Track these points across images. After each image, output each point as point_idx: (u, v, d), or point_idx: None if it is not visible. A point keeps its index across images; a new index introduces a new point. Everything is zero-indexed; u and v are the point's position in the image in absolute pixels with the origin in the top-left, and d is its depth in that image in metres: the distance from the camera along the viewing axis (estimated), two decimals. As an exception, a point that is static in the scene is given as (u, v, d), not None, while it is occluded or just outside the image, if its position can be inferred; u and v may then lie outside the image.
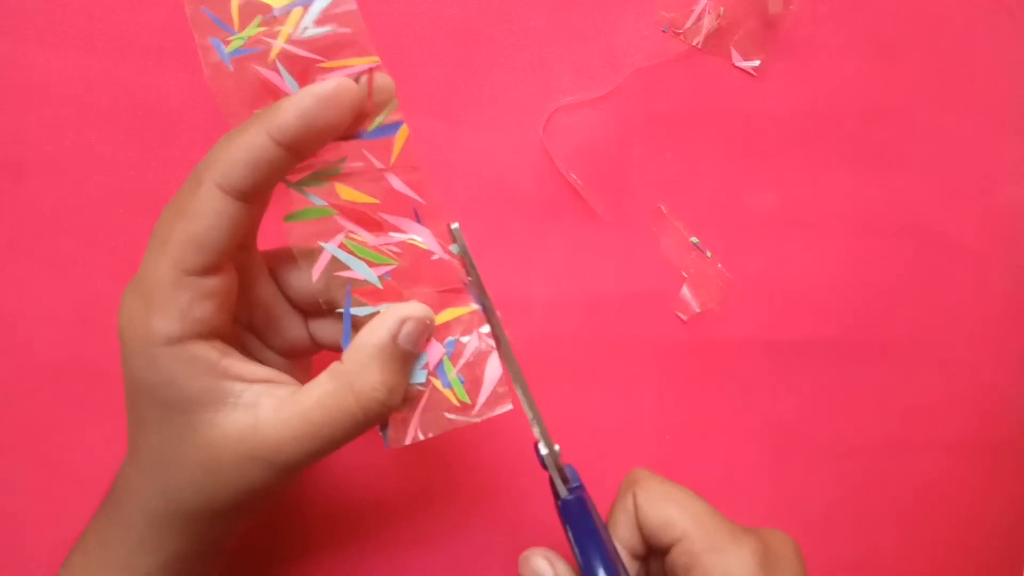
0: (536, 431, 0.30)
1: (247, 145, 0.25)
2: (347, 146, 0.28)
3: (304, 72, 0.27)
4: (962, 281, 0.44)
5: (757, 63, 0.43)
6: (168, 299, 0.25)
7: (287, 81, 0.27)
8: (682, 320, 0.43)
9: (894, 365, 0.44)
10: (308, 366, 0.35)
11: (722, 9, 0.43)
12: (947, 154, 0.44)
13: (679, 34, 0.43)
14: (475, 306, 0.30)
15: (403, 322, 0.27)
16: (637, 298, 0.43)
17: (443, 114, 0.43)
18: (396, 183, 0.28)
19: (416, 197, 0.28)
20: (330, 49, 0.27)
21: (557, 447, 0.31)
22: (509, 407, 0.29)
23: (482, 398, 0.29)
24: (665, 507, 0.30)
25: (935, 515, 0.44)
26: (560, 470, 0.30)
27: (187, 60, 0.42)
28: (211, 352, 0.26)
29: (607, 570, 0.29)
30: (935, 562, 0.44)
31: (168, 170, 0.42)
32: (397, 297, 0.29)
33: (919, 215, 0.44)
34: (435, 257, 0.29)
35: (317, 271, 0.29)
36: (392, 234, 0.29)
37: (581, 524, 0.29)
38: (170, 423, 0.26)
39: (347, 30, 0.27)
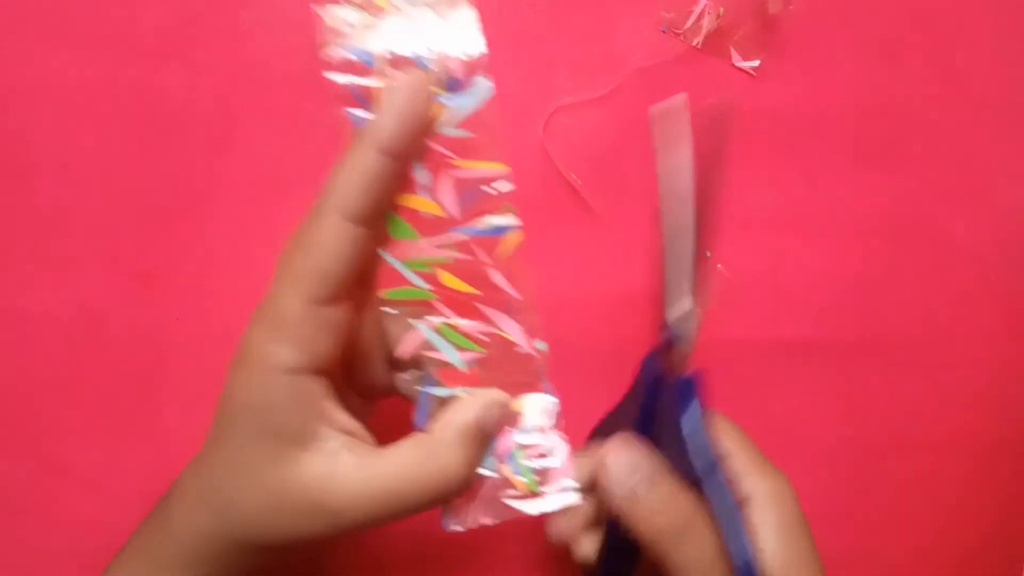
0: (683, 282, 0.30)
1: (358, 166, 0.26)
2: (457, 241, 0.29)
3: (436, 166, 0.28)
4: (963, 281, 0.44)
5: (757, 63, 0.43)
6: (295, 328, 0.26)
7: (418, 172, 0.28)
8: (682, 320, 0.43)
9: (894, 365, 0.44)
10: (373, 412, 0.35)
11: (722, 9, 0.43)
12: (948, 154, 0.44)
13: (679, 34, 0.43)
14: (551, 398, 0.30)
15: (490, 406, 0.28)
16: (637, 298, 0.43)
17: (443, 114, 0.43)
18: (499, 280, 0.29)
19: (515, 294, 0.29)
20: (465, 148, 0.28)
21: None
22: (575, 501, 0.30)
23: (550, 489, 0.30)
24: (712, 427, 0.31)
25: (935, 515, 0.44)
26: (687, 352, 0.30)
27: (188, 60, 0.42)
28: (318, 388, 0.27)
29: (706, 457, 0.29)
30: (935, 562, 0.44)
31: (169, 170, 0.42)
32: (477, 383, 0.30)
33: (919, 215, 0.44)
34: (519, 350, 0.30)
35: (407, 348, 0.30)
36: (485, 324, 0.30)
37: (691, 404, 0.29)
38: (254, 448, 0.27)
39: (482, 135, 0.29)
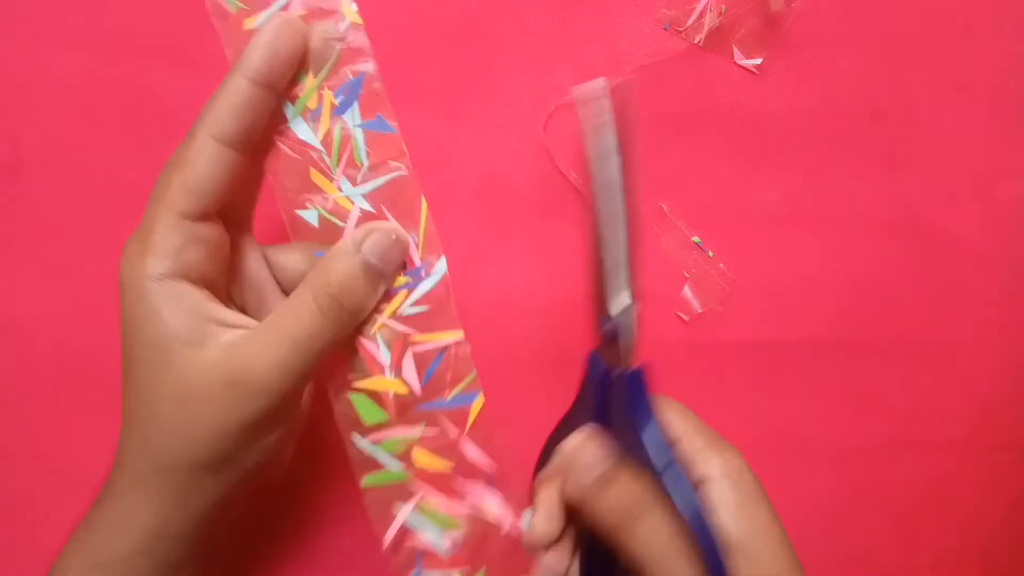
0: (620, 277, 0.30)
1: (228, 92, 0.28)
2: (424, 414, 0.30)
3: (398, 345, 0.30)
4: (964, 280, 0.44)
5: (759, 61, 0.43)
6: (162, 239, 0.27)
7: (382, 352, 0.30)
8: (684, 320, 0.43)
9: (895, 365, 0.44)
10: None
11: (723, 7, 0.43)
12: (950, 152, 0.44)
13: (680, 32, 0.43)
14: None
15: (368, 232, 0.29)
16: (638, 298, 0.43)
17: (443, 112, 0.42)
18: (471, 451, 0.30)
19: (488, 466, 0.30)
20: (420, 322, 0.30)
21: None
22: None
23: None
24: (664, 412, 0.31)
25: (935, 515, 0.44)
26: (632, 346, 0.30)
27: (184, 59, 0.42)
28: (197, 294, 0.28)
29: (660, 447, 0.29)
30: (935, 562, 0.44)
31: (165, 169, 0.42)
32: (465, 564, 0.31)
33: (922, 213, 0.44)
34: (503, 532, 0.31)
35: (389, 536, 0.30)
36: (464, 500, 0.30)
37: (640, 396, 0.30)
38: (151, 360, 0.27)
39: (437, 308, 0.30)
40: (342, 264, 0.28)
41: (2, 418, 0.41)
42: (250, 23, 0.30)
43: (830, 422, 0.44)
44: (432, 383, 0.30)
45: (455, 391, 0.30)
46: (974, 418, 0.44)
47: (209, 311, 0.28)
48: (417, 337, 0.30)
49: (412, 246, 0.30)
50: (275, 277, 0.32)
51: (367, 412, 0.30)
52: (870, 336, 0.44)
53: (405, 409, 0.30)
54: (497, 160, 0.42)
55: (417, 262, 0.30)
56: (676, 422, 0.31)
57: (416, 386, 0.30)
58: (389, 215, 0.30)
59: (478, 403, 0.30)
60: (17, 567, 0.41)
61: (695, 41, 0.43)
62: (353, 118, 0.30)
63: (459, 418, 0.30)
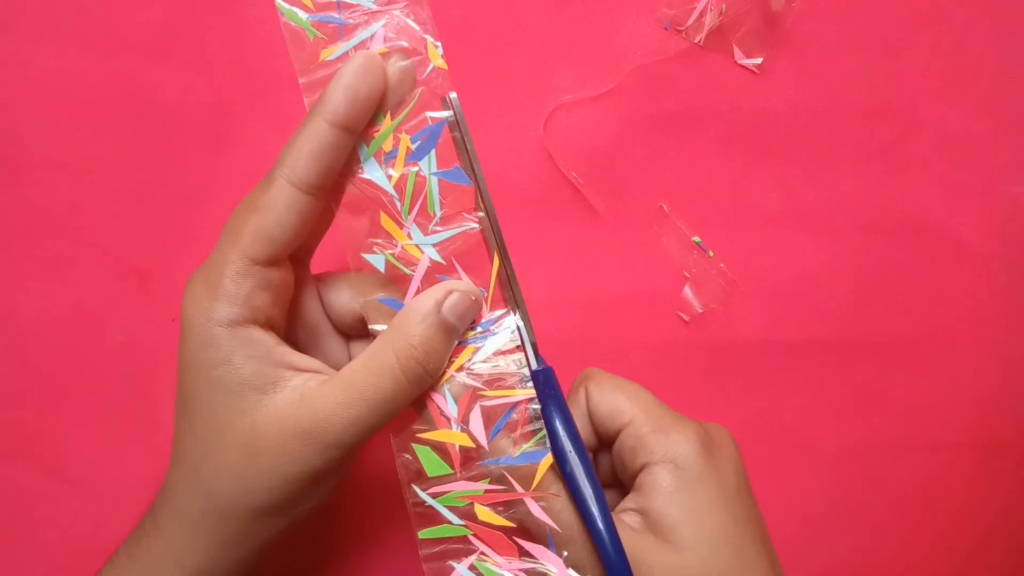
0: (513, 300, 0.30)
1: (309, 136, 0.27)
2: (489, 470, 0.29)
3: (466, 399, 0.29)
4: (964, 280, 0.44)
5: (759, 60, 0.43)
6: (233, 284, 0.27)
7: (450, 405, 0.29)
8: (684, 321, 0.43)
9: (895, 365, 0.44)
10: None
11: (724, 6, 0.43)
12: (950, 152, 0.44)
13: (681, 31, 0.43)
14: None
15: (449, 292, 0.28)
16: (638, 298, 0.43)
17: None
18: (535, 509, 0.29)
19: (553, 525, 0.29)
20: (491, 381, 0.29)
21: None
22: None
23: None
24: (615, 396, 0.32)
25: (935, 515, 0.44)
26: (534, 344, 0.30)
27: (183, 58, 0.42)
28: (267, 338, 0.27)
29: (572, 436, 0.29)
30: (935, 562, 0.44)
31: (164, 167, 0.42)
32: None
33: (922, 213, 0.44)
34: None
35: None
36: (523, 560, 0.29)
37: (550, 393, 0.30)
38: (218, 405, 0.27)
39: (509, 367, 0.29)
40: (425, 326, 0.28)
41: (2, 418, 0.41)
42: (327, 54, 0.29)
43: (830, 422, 0.44)
44: (499, 439, 0.29)
45: (522, 448, 0.29)
46: (974, 418, 0.44)
47: (278, 356, 0.27)
48: (486, 392, 0.29)
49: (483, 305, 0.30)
50: (325, 312, 0.32)
51: (431, 464, 0.29)
52: (870, 336, 0.44)
53: (470, 463, 0.29)
54: (497, 160, 0.42)
55: (486, 316, 0.30)
56: (625, 406, 0.31)
57: (483, 441, 0.29)
58: (460, 268, 0.30)
59: (546, 462, 0.29)
60: (17, 567, 0.41)
61: (695, 41, 0.43)
62: (429, 165, 0.29)
63: (524, 478, 0.29)
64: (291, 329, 0.30)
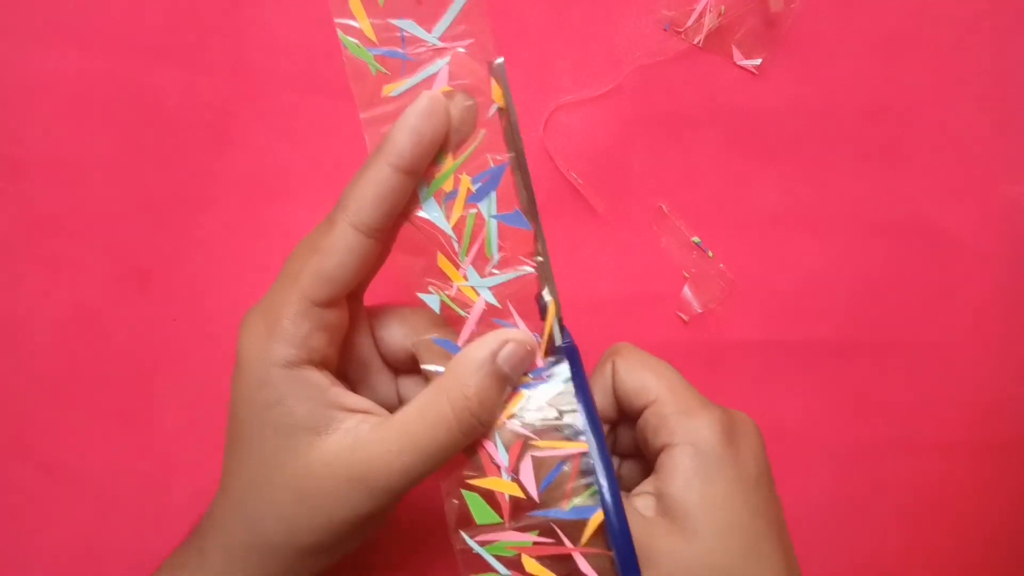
0: (545, 278, 0.30)
1: (373, 180, 0.27)
2: (539, 521, 0.29)
3: (517, 448, 0.29)
4: (964, 280, 0.44)
5: (759, 61, 0.43)
6: (292, 326, 0.27)
7: (500, 453, 0.29)
8: (684, 321, 0.43)
9: (894, 365, 0.44)
10: None
11: (723, 7, 0.43)
12: (949, 152, 0.44)
13: (680, 32, 0.43)
14: None
15: (505, 343, 0.28)
16: (638, 298, 0.43)
17: (443, 112, 0.42)
18: (584, 567, 0.29)
19: None
20: (542, 431, 0.29)
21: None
22: None
23: None
24: (642, 373, 0.31)
25: (935, 515, 0.44)
26: (560, 320, 0.30)
27: (184, 59, 0.42)
28: (322, 379, 0.28)
29: (591, 416, 0.29)
30: (935, 562, 0.44)
31: (165, 168, 0.42)
32: None
33: (921, 213, 0.44)
34: None
35: None
36: None
37: (574, 371, 0.30)
38: (270, 445, 0.27)
39: (562, 421, 0.29)
40: (480, 376, 0.27)
41: (2, 419, 0.41)
42: (389, 89, 0.29)
43: (830, 422, 0.44)
44: (550, 491, 0.29)
45: (573, 502, 0.29)
46: (974, 418, 0.44)
47: (332, 397, 0.28)
48: (538, 442, 0.29)
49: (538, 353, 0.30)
50: (376, 346, 0.32)
51: (480, 512, 0.29)
52: (870, 336, 0.44)
53: (519, 513, 0.29)
54: (497, 160, 0.42)
55: (539, 364, 0.30)
56: (651, 384, 0.31)
57: (533, 492, 0.28)
58: (515, 313, 0.30)
59: (596, 519, 0.28)
60: (17, 567, 0.41)
61: (695, 42, 0.43)
62: (489, 207, 0.29)
63: (574, 532, 0.28)
64: (342, 363, 0.30)
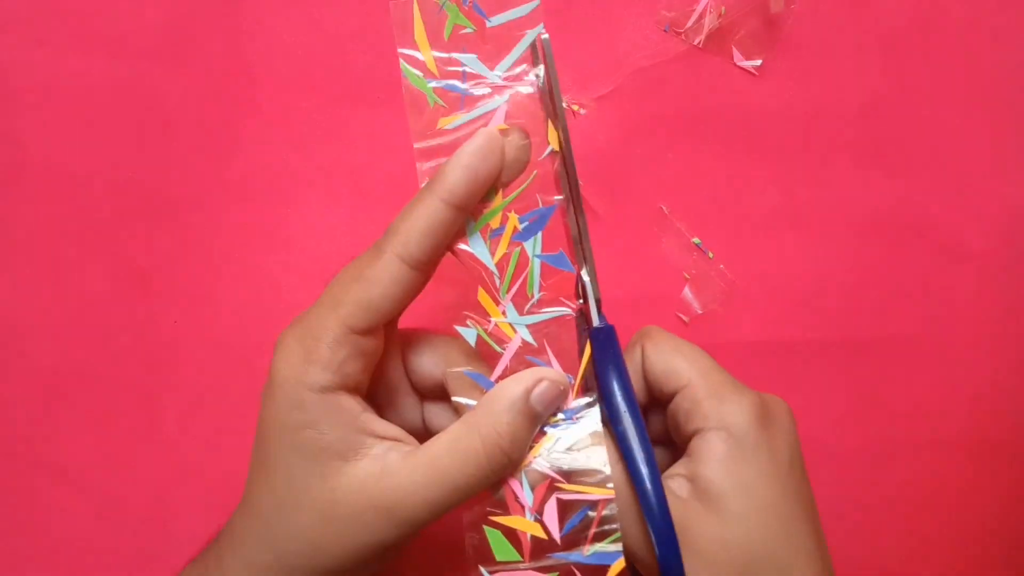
0: (583, 257, 0.30)
1: (424, 214, 0.27)
2: (559, 564, 0.29)
3: (543, 486, 0.29)
4: (964, 280, 0.44)
5: (759, 62, 0.43)
6: (329, 352, 0.27)
7: (525, 492, 0.29)
8: (684, 322, 0.43)
9: (895, 365, 0.44)
10: None
11: (723, 8, 0.43)
12: (949, 153, 0.44)
13: (680, 33, 0.43)
14: None
15: (539, 381, 0.28)
16: (638, 299, 0.43)
17: (443, 113, 0.42)
18: None
19: None
20: (571, 474, 0.29)
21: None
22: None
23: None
24: (673, 358, 0.31)
25: (936, 515, 0.44)
26: (598, 301, 0.30)
27: (184, 61, 0.42)
28: (354, 405, 0.28)
29: (628, 399, 0.29)
30: (935, 562, 0.44)
31: (165, 170, 0.42)
32: None
33: (921, 214, 0.44)
34: None
35: None
36: None
37: (610, 352, 0.30)
38: (298, 467, 0.27)
39: (591, 465, 0.29)
40: (513, 414, 0.27)
41: (3, 421, 0.41)
42: (446, 122, 0.29)
43: (830, 422, 0.44)
44: (573, 534, 0.29)
45: (595, 547, 0.29)
46: (973, 418, 0.44)
47: (362, 423, 0.28)
48: (564, 485, 0.29)
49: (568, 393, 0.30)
50: (407, 375, 0.32)
51: (500, 549, 0.29)
52: (870, 336, 0.44)
53: (540, 554, 0.29)
54: (497, 162, 0.42)
55: (570, 405, 0.30)
56: (683, 368, 0.31)
57: (556, 534, 0.29)
58: (551, 352, 0.30)
59: (617, 566, 0.28)
60: (17, 567, 0.41)
61: (695, 43, 0.43)
62: (534, 247, 0.29)
63: (595, 575, 0.28)
64: (372, 385, 0.31)
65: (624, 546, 0.28)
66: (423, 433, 0.32)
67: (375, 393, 0.31)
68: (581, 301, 0.31)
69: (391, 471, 0.27)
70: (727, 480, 0.28)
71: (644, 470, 0.28)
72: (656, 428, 0.33)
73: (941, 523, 0.44)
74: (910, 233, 0.44)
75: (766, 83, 0.43)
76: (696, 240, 0.43)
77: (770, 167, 0.44)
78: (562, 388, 0.29)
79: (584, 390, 0.30)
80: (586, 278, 0.30)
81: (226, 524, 0.30)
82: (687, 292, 0.43)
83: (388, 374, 0.31)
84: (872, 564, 0.44)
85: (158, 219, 0.42)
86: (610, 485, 0.28)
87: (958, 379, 0.44)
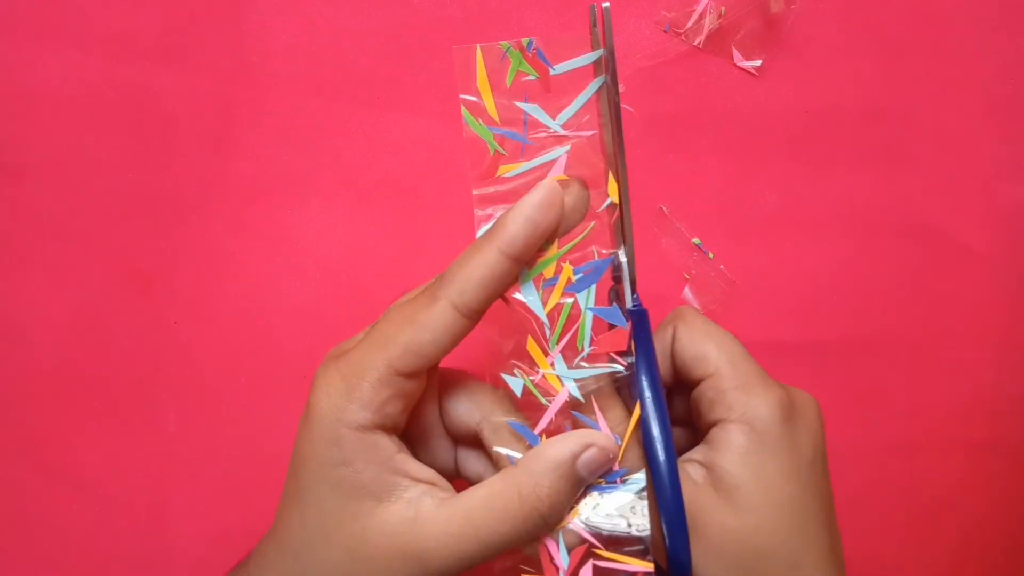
0: (623, 237, 0.29)
1: (482, 264, 0.27)
2: None
3: (580, 551, 0.28)
4: (964, 281, 0.44)
5: (759, 63, 0.43)
6: (372, 391, 0.27)
7: (562, 555, 0.28)
8: (684, 321, 0.43)
9: (895, 365, 0.44)
10: None
11: (723, 9, 0.43)
12: (949, 153, 0.44)
13: (680, 34, 0.43)
14: None
15: (587, 447, 0.28)
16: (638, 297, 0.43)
17: (443, 113, 0.42)
18: None
19: None
20: (611, 540, 0.28)
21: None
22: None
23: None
24: (704, 343, 0.31)
25: (936, 516, 0.44)
26: (633, 283, 0.30)
27: (184, 62, 0.42)
28: (390, 445, 0.28)
29: (653, 382, 0.28)
30: (936, 563, 0.44)
31: (165, 171, 0.42)
32: None
33: (921, 215, 0.44)
34: None
35: None
36: None
37: (641, 335, 0.29)
38: (331, 503, 0.27)
39: (632, 533, 0.28)
40: (556, 477, 0.27)
41: (4, 421, 0.41)
42: (505, 170, 0.29)
43: (830, 422, 0.43)
44: None
45: None
46: (974, 418, 0.44)
47: (398, 464, 0.28)
48: (602, 552, 0.28)
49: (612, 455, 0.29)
50: (442, 418, 0.32)
51: None
52: (869, 336, 0.44)
53: None
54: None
55: (615, 467, 0.29)
56: (712, 355, 0.30)
57: None
58: (598, 411, 0.29)
59: None
60: (17, 568, 0.41)
61: (695, 43, 0.43)
62: (587, 300, 0.29)
63: None
64: (407, 425, 0.30)
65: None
66: (454, 475, 0.32)
67: (409, 433, 0.31)
68: (617, 283, 0.30)
69: (424, 518, 0.27)
70: (744, 472, 0.28)
71: (661, 454, 0.27)
72: (679, 409, 0.33)
73: (941, 523, 0.44)
74: (910, 233, 0.44)
75: (766, 83, 0.43)
76: (696, 240, 0.43)
77: (770, 166, 0.44)
78: (611, 455, 0.28)
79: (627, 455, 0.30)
80: (623, 258, 0.29)
81: (255, 549, 0.30)
82: (687, 292, 0.43)
83: (423, 415, 0.31)
84: (872, 563, 0.44)
85: (158, 219, 0.42)
86: (650, 558, 0.28)
87: (958, 379, 0.44)
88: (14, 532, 0.41)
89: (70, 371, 0.41)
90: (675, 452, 0.28)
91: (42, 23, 0.42)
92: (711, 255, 0.43)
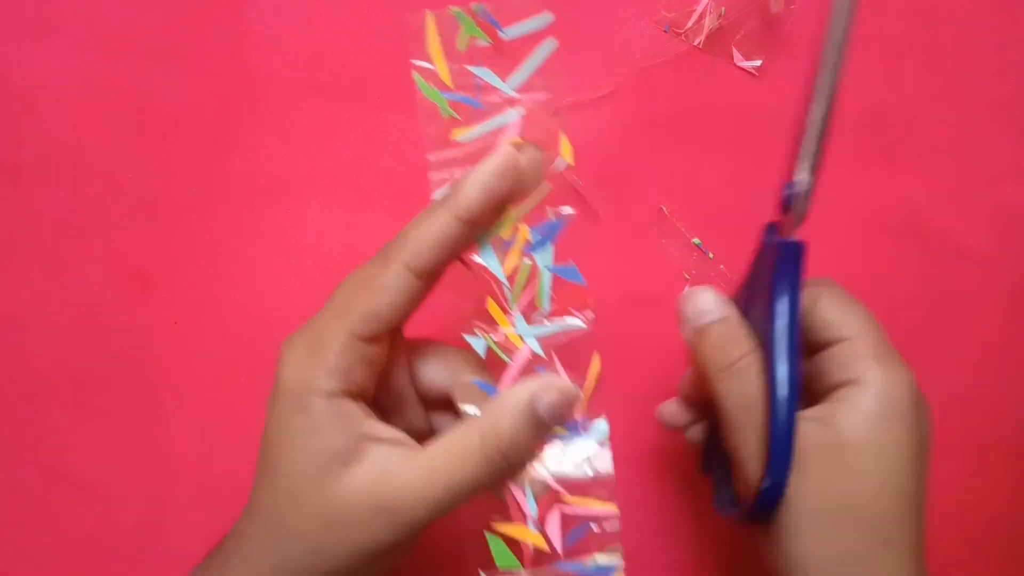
0: (813, 154, 0.29)
1: (436, 226, 0.27)
2: (558, 572, 0.29)
3: (547, 500, 0.29)
4: (965, 281, 0.44)
5: (759, 63, 0.43)
6: (337, 359, 0.27)
7: (529, 503, 0.29)
8: (684, 321, 0.43)
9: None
10: None
11: (723, 9, 0.43)
12: (950, 153, 0.44)
13: (680, 34, 0.43)
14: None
15: (546, 388, 0.28)
16: (638, 300, 0.43)
17: (443, 115, 0.43)
18: None
19: None
20: (576, 486, 0.29)
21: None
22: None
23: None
24: (850, 309, 0.31)
25: (936, 517, 0.44)
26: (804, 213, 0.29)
27: (184, 62, 0.42)
28: (357, 411, 0.28)
29: (793, 311, 0.28)
30: (936, 563, 0.44)
31: (165, 171, 0.42)
32: None
33: (921, 215, 0.44)
34: None
35: None
36: None
37: (789, 271, 0.29)
38: (301, 470, 0.27)
39: (598, 476, 0.29)
40: (516, 421, 0.27)
41: (4, 422, 0.41)
42: (458, 134, 0.29)
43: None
44: (575, 546, 0.29)
45: (596, 558, 0.29)
46: (975, 420, 0.44)
47: (366, 428, 0.28)
48: (568, 498, 0.29)
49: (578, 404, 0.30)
50: (413, 383, 0.32)
51: (501, 556, 0.29)
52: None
53: (541, 564, 0.29)
54: (497, 162, 0.42)
55: (577, 417, 0.30)
56: (853, 321, 0.30)
57: (558, 545, 0.29)
58: (559, 364, 0.30)
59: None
60: (17, 568, 0.41)
61: (695, 43, 0.43)
62: (545, 259, 0.30)
63: None
64: (378, 392, 0.31)
65: (736, 457, 0.29)
66: (427, 438, 0.32)
67: (382, 401, 0.31)
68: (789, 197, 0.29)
69: (391, 473, 0.27)
70: (866, 435, 0.28)
71: (785, 377, 0.27)
72: None
73: (941, 523, 0.44)
74: (911, 233, 0.44)
75: (766, 83, 0.43)
76: (696, 240, 0.43)
77: (770, 167, 0.44)
78: (570, 398, 0.29)
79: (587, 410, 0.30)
80: (801, 186, 0.29)
81: (233, 527, 0.30)
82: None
83: (394, 382, 0.31)
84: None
85: (158, 219, 0.42)
86: (614, 506, 0.29)
87: (959, 379, 0.44)
88: (14, 532, 0.41)
89: (70, 371, 0.41)
90: (799, 381, 0.28)
91: (42, 23, 0.42)
92: (711, 255, 0.43)
